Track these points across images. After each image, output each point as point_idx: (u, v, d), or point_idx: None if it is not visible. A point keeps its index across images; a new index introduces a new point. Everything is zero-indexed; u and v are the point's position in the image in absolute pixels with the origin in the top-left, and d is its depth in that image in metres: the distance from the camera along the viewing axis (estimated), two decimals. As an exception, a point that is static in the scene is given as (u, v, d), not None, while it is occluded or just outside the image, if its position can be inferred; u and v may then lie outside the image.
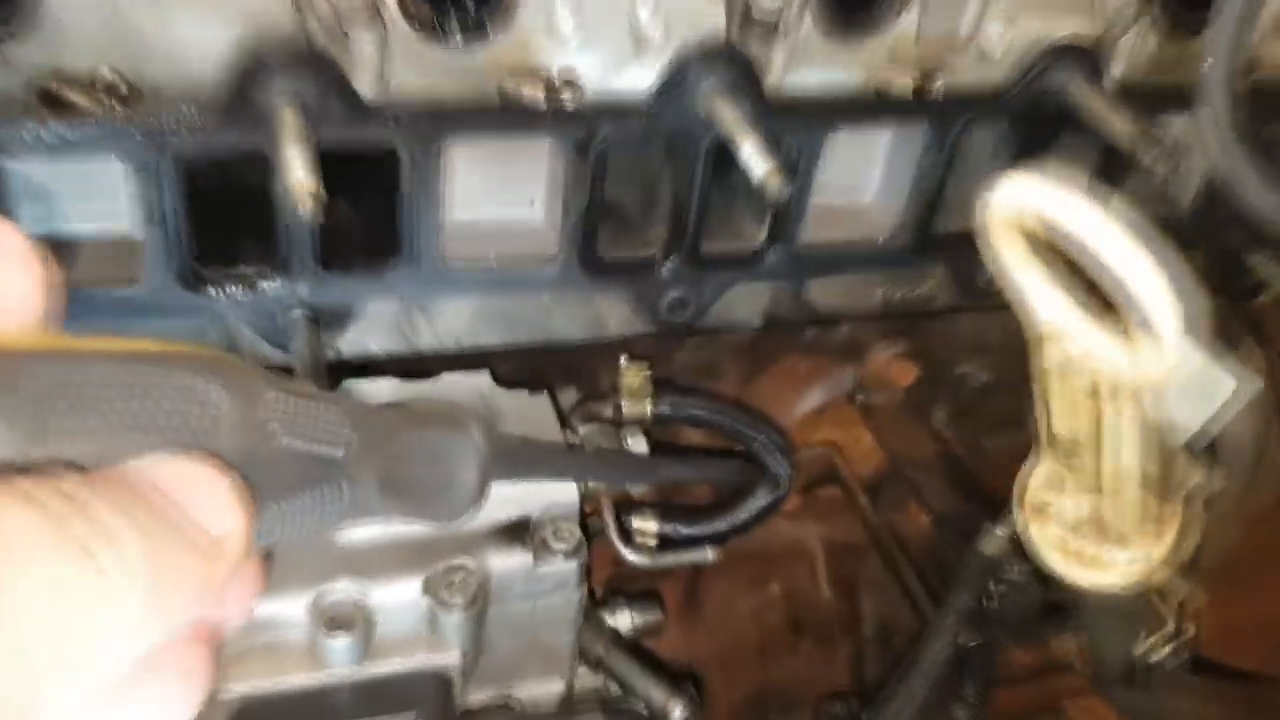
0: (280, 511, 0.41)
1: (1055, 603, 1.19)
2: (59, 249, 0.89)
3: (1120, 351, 0.45)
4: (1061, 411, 0.52)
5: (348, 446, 0.42)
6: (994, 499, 1.30)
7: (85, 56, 0.79)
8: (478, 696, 0.99)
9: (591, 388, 1.13)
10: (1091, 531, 0.62)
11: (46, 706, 0.32)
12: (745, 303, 1.07)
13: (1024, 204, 0.43)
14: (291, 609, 0.84)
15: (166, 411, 0.37)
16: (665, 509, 1.11)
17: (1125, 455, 0.53)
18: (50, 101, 0.78)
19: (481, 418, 0.49)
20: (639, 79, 0.91)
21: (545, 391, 1.04)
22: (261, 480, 0.40)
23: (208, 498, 0.37)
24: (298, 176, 0.75)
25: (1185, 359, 0.45)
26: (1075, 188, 0.42)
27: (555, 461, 0.52)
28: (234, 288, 0.91)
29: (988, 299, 1.12)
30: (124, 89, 0.80)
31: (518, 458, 0.50)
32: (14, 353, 0.35)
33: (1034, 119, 1.01)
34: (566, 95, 0.89)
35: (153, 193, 0.83)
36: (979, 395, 1.32)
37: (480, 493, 0.48)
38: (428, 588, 0.87)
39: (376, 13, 0.83)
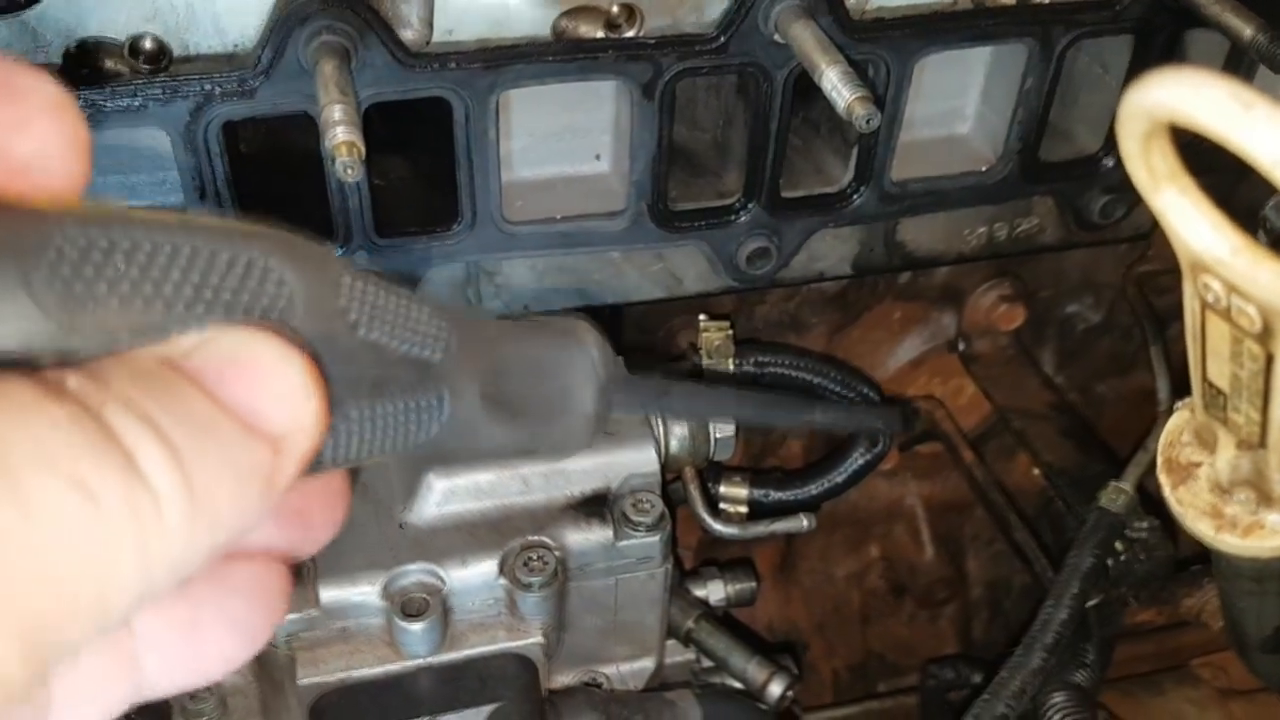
0: (362, 418, 0.34)
1: (1185, 558, 1.10)
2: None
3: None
4: (1217, 355, 0.44)
5: (445, 350, 0.35)
6: (1112, 449, 1.20)
7: (122, 24, 0.74)
8: (564, 678, 0.95)
9: (669, 349, 1.06)
10: (1249, 494, 0.53)
11: (72, 628, 0.26)
12: (832, 249, 0.98)
13: (1173, 107, 0.35)
14: (365, 594, 0.79)
15: (228, 287, 0.30)
16: (755, 474, 1.04)
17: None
18: (89, 70, 0.74)
19: (600, 337, 0.41)
20: (709, 9, 0.83)
21: (620, 357, 0.98)
22: (340, 377, 0.33)
23: (272, 380, 0.30)
24: (338, 134, 0.69)
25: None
26: (1232, 83, 0.34)
27: (688, 395, 0.43)
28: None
29: (1101, 232, 1.02)
30: (163, 56, 0.75)
31: (644, 387, 0.43)
32: (48, 214, 0.28)
33: (1148, 26, 0.90)
34: (628, 30, 0.81)
35: (198, 162, 0.79)
36: (1091, 337, 1.22)
37: (601, 420, 0.40)
38: (504, 568, 0.82)
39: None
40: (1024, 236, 1.00)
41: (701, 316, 1.01)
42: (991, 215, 0.99)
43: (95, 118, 0.75)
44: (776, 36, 0.82)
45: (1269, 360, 0.44)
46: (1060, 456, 1.16)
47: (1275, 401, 0.46)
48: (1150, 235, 1.02)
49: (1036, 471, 1.19)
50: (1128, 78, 0.92)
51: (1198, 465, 0.57)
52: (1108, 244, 1.04)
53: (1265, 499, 0.55)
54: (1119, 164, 0.96)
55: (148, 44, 0.76)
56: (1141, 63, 0.91)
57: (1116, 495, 0.96)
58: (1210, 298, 0.44)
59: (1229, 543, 0.57)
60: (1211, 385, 0.50)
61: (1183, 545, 1.03)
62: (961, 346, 1.16)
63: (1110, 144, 0.97)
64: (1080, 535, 0.95)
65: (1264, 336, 0.43)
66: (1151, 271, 1.08)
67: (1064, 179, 0.97)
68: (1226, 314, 0.44)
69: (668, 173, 0.89)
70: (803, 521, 0.97)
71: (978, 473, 1.20)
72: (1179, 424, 0.58)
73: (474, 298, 0.96)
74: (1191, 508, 0.57)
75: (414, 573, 0.81)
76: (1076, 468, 1.15)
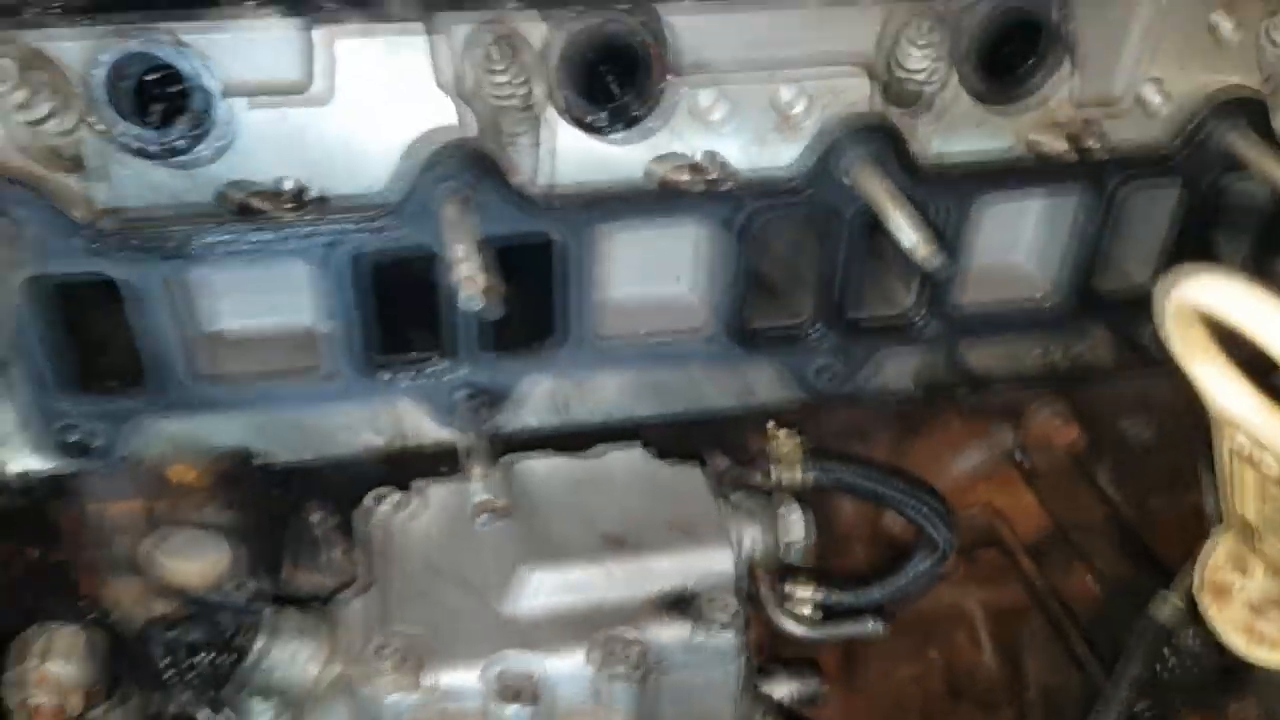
0: None
1: (1232, 667, 1.13)
2: (246, 342, 0.96)
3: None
4: (1244, 495, 0.50)
5: None
6: (1164, 563, 1.24)
7: (268, 169, 0.85)
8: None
9: (740, 454, 1.13)
10: (1278, 613, 0.59)
11: None
12: (897, 367, 1.06)
13: (1200, 298, 0.43)
14: (464, 679, 0.87)
15: None
16: (822, 576, 1.10)
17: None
18: (240, 210, 0.85)
19: None
20: (783, 154, 0.92)
21: (697, 460, 1.05)
22: None
23: None
24: (463, 270, 0.79)
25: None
26: (1249, 283, 0.42)
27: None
28: (404, 372, 0.96)
29: (1151, 358, 1.08)
30: (305, 197, 0.86)
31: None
32: None
33: (1196, 173, 0.98)
34: (714, 175, 0.91)
35: (331, 290, 0.89)
36: (1144, 454, 1.27)
37: None
38: (591, 658, 0.89)
39: (534, 111, 0.87)
40: (1079, 360, 1.07)
41: (770, 423, 1.08)
42: (1048, 339, 1.06)
43: (243, 249, 0.86)
44: (847, 180, 0.91)
45: (1289, 504, 0.50)
46: (1114, 567, 1.21)
47: (1298, 538, 0.52)
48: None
49: (1091, 581, 1.24)
50: (1176, 219, 1.00)
51: (1234, 586, 0.63)
52: (1156, 366, 1.10)
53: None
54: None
55: (289, 185, 0.87)
56: (1188, 206, 0.99)
57: (1166, 606, 1.01)
58: (1238, 447, 0.51)
59: (1261, 656, 0.62)
60: (1243, 519, 0.56)
61: (1229, 654, 1.07)
62: (1020, 459, 1.22)
63: (1159, 275, 1.03)
64: (1131, 643, 0.99)
65: (1282, 483, 0.49)
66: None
67: (1117, 309, 1.04)
68: (1253, 461, 0.51)
69: (744, 295, 0.98)
70: (874, 625, 1.03)
71: (1036, 581, 1.25)
72: (1218, 549, 0.65)
73: (562, 406, 1.05)
74: (1228, 623, 0.64)
75: (510, 659, 0.88)
76: (1129, 578, 1.20)
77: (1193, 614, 1.06)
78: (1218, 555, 0.64)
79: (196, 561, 1.06)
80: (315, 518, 1.13)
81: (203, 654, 0.92)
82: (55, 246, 0.81)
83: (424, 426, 1.02)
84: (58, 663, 0.88)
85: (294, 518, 1.12)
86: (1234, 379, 0.47)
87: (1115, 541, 1.21)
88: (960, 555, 1.24)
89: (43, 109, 0.78)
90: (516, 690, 0.87)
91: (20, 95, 0.76)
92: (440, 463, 1.06)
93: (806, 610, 1.06)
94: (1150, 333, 1.06)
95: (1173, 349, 0.48)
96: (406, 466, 1.06)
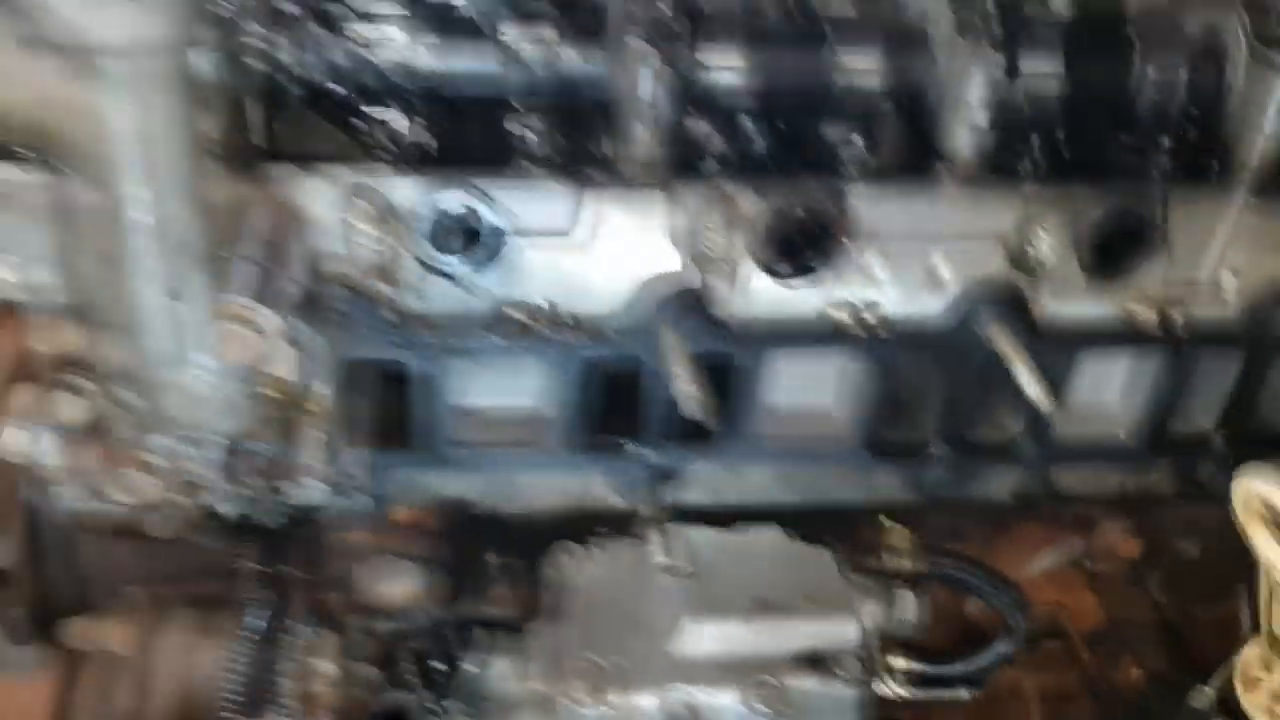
0: None
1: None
2: (484, 418, 1.19)
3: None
4: (1275, 617, 0.72)
5: None
6: (1200, 661, 1.45)
7: (534, 292, 1.09)
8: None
9: (856, 540, 1.35)
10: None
11: None
12: (997, 480, 1.28)
13: (1257, 489, 0.64)
14: (644, 702, 1.08)
15: None
16: (915, 650, 1.31)
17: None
18: (510, 322, 1.08)
19: None
20: (930, 307, 1.15)
21: (824, 544, 1.27)
22: None
23: None
24: (686, 386, 1.02)
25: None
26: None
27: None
28: (604, 452, 1.19)
29: (1205, 491, 1.29)
30: (558, 315, 1.09)
31: None
32: None
33: (1257, 346, 1.20)
34: (872, 321, 1.14)
35: (563, 387, 1.12)
36: (1191, 568, 1.48)
37: None
38: (742, 697, 1.10)
39: (737, 260, 1.10)
40: (1147, 488, 1.29)
41: (883, 518, 1.30)
42: (1124, 469, 1.28)
43: (507, 350, 1.09)
44: (980, 333, 1.14)
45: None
46: (1158, 663, 1.41)
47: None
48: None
49: (1137, 673, 1.45)
50: (1238, 381, 1.22)
51: (1261, 680, 0.85)
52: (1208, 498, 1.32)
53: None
54: (1225, 442, 1.25)
55: (547, 306, 1.10)
56: (1248, 371, 1.21)
57: (1202, 697, 1.22)
58: (1275, 585, 0.73)
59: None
60: (1273, 633, 0.78)
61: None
62: (1087, 565, 1.43)
63: (1220, 426, 1.26)
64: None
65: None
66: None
67: (1183, 449, 1.26)
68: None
69: (879, 413, 1.21)
70: (962, 693, 1.24)
71: (1090, 669, 1.45)
72: (1251, 650, 0.86)
73: (717, 489, 1.27)
74: (1256, 707, 0.85)
75: (679, 691, 1.10)
76: (1170, 673, 1.41)
77: (1222, 706, 1.27)
78: (1250, 655, 0.85)
79: (397, 585, 1.30)
80: (491, 559, 1.37)
81: (430, 661, 1.15)
82: (372, 340, 1.05)
83: (605, 495, 1.25)
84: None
85: (476, 557, 1.35)
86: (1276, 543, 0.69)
87: (1161, 641, 1.41)
88: (1028, 643, 1.45)
89: (384, 249, 1.03)
90: (682, 716, 1.09)
91: (370, 230, 1.01)
92: (602, 523, 1.28)
93: (902, 678, 1.28)
94: (1209, 472, 1.28)
95: (1238, 518, 0.70)
96: (574, 524, 1.29)
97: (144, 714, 1.06)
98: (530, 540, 1.30)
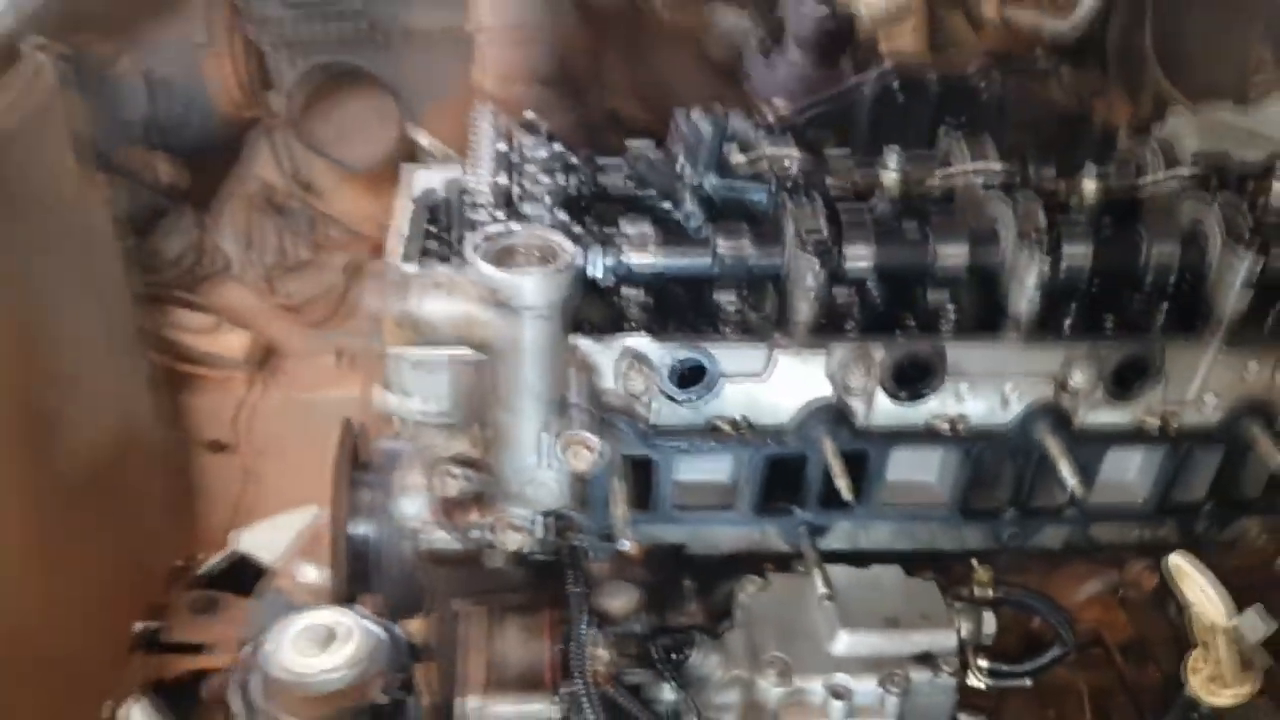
0: None
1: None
2: (695, 488, 1.75)
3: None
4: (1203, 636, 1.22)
5: None
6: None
7: (733, 410, 1.65)
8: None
9: (952, 576, 1.88)
10: (1218, 681, 1.32)
11: None
12: (1051, 533, 1.81)
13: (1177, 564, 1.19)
14: (813, 684, 1.63)
15: None
16: (993, 653, 1.84)
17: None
18: (716, 430, 1.64)
19: None
20: (1001, 417, 1.69)
21: (931, 578, 1.81)
22: None
23: None
24: (840, 478, 1.57)
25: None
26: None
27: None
28: (775, 514, 1.74)
29: (1201, 540, 1.81)
30: (749, 424, 1.65)
31: None
32: None
33: (1232, 443, 1.72)
34: (960, 427, 1.68)
35: (750, 470, 1.68)
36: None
37: None
38: (879, 683, 1.64)
39: (869, 388, 1.65)
40: (1160, 539, 1.81)
41: (974, 561, 1.83)
42: (1142, 525, 1.80)
43: (715, 448, 1.65)
44: (1036, 437, 1.67)
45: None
46: (1173, 667, 1.92)
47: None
48: (1233, 545, 1.82)
49: (1157, 674, 1.96)
50: (1221, 465, 1.74)
51: (1200, 668, 1.39)
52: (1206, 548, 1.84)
53: (1225, 684, 1.36)
54: (1213, 507, 1.77)
55: (740, 418, 1.66)
56: (1227, 459, 1.73)
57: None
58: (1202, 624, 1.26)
59: (1215, 699, 1.37)
60: (1200, 639, 1.31)
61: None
62: (1120, 593, 1.95)
63: (1209, 495, 1.77)
64: (1172, 710, 1.72)
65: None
66: (1238, 567, 1.87)
67: (1183, 512, 1.78)
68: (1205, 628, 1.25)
69: (967, 487, 1.74)
70: (1026, 681, 1.76)
71: (1124, 672, 1.97)
72: (1196, 650, 1.41)
73: (852, 538, 1.81)
74: (1199, 687, 1.39)
75: (837, 678, 1.64)
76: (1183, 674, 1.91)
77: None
78: (1195, 653, 1.39)
79: (619, 600, 1.86)
80: (688, 584, 1.92)
81: (673, 653, 1.70)
82: (632, 442, 1.62)
83: (774, 543, 1.80)
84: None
85: (679, 583, 1.91)
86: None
87: (1176, 651, 1.92)
88: (1076, 650, 1.97)
89: (638, 386, 1.59)
90: (839, 694, 1.63)
91: (638, 380, 1.58)
92: (773, 562, 1.83)
93: (985, 673, 1.81)
94: (1202, 526, 1.80)
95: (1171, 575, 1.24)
96: (754, 562, 1.84)
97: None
98: (721, 572, 1.86)
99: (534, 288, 1.32)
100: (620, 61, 2.73)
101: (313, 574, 3.25)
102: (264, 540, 4.22)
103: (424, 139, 2.97)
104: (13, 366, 2.49)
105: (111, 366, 2.90)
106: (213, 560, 3.88)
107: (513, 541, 1.54)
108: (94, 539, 2.97)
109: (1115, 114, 2.62)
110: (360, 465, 2.20)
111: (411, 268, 1.39)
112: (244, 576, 4.05)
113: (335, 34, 2.90)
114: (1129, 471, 1.79)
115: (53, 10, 2.67)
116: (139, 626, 3.37)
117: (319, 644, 1.33)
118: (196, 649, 3.58)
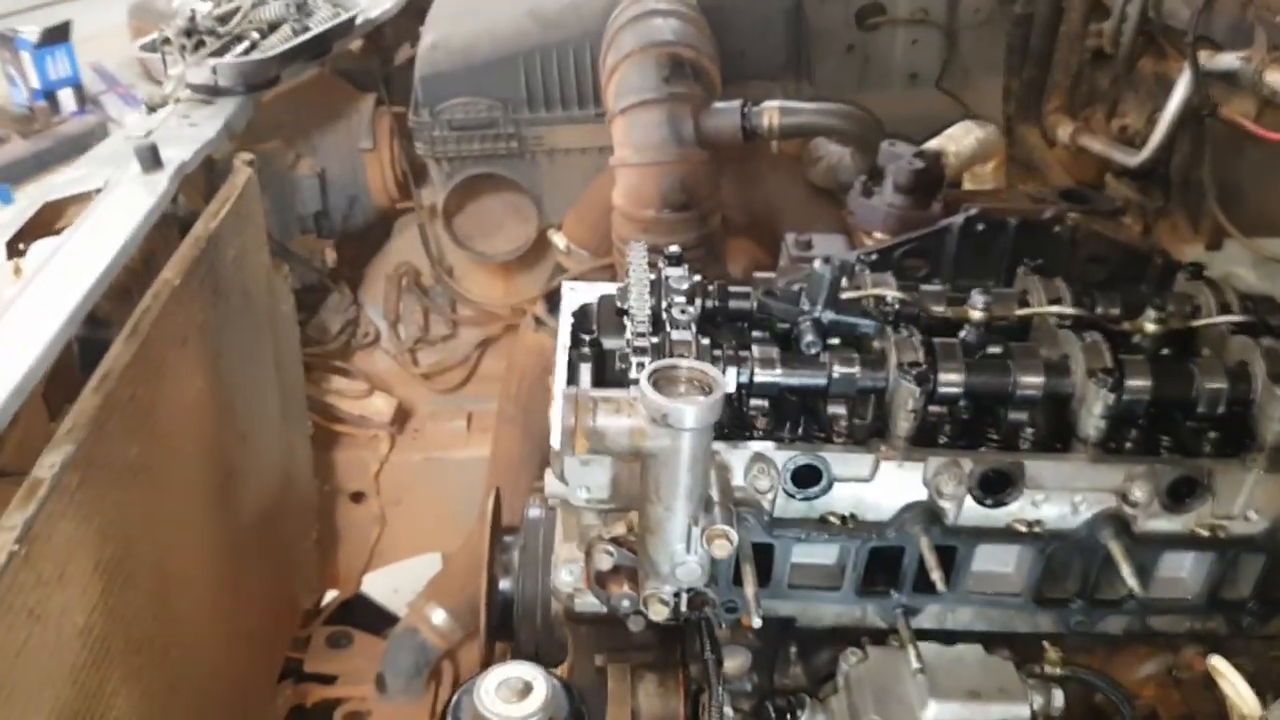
0: None
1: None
2: (807, 569, 2.07)
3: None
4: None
5: None
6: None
7: (840, 507, 1.98)
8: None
9: (1027, 655, 2.17)
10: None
11: None
12: (1114, 621, 2.10)
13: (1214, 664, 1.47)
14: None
15: None
16: (1062, 721, 2.12)
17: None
18: (824, 521, 1.97)
19: None
20: (1072, 522, 1.99)
21: (1007, 657, 2.10)
22: None
23: None
24: (934, 570, 1.89)
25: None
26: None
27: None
28: (874, 596, 2.05)
29: (1249, 632, 2.08)
30: (855, 518, 1.98)
31: None
32: None
33: (1273, 549, 2.00)
34: (1037, 530, 1.99)
35: (855, 557, 2.00)
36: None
37: None
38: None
39: (960, 495, 1.96)
40: (1210, 629, 2.09)
41: (1044, 642, 2.12)
42: (1194, 616, 2.08)
43: (828, 538, 1.98)
44: (1102, 541, 1.97)
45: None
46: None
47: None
48: (1275, 638, 2.09)
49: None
50: (1264, 569, 2.02)
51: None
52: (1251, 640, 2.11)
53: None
54: (1258, 604, 2.04)
55: (847, 513, 1.99)
56: (1269, 564, 2.00)
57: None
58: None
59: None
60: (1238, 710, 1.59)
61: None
62: (1174, 673, 2.21)
63: (1253, 594, 2.05)
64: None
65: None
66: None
67: (1233, 606, 2.06)
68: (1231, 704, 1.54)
69: (1041, 579, 2.04)
70: (1090, 753, 2.05)
71: (1178, 741, 2.24)
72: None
73: (940, 619, 2.12)
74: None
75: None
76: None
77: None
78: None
79: (733, 661, 2.19)
80: (793, 650, 2.24)
81: (786, 713, 2.02)
82: (758, 532, 1.96)
83: (872, 619, 2.11)
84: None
85: (787, 650, 2.23)
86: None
87: (1225, 726, 2.19)
88: (1136, 723, 2.24)
89: (763, 484, 1.93)
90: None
91: (763, 479, 1.91)
92: (870, 636, 2.14)
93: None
94: (1247, 621, 2.07)
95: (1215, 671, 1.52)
96: (854, 635, 2.15)
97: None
98: (821, 642, 2.17)
99: (694, 414, 1.66)
100: (731, 182, 3.10)
101: (442, 617, 3.64)
102: (388, 582, 4.65)
103: (559, 240, 3.38)
104: (209, 429, 2.92)
105: (282, 426, 3.32)
106: (341, 598, 4.30)
107: (659, 614, 1.87)
108: (256, 577, 3.39)
109: (1178, 235, 2.92)
110: (506, 529, 2.58)
111: (596, 392, 1.74)
112: (366, 614, 4.48)
113: (489, 150, 3.33)
114: (1182, 570, 2.08)
115: (250, 123, 3.13)
116: (286, 657, 3.78)
117: (518, 693, 1.67)
118: (330, 680, 3.99)
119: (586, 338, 2.16)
